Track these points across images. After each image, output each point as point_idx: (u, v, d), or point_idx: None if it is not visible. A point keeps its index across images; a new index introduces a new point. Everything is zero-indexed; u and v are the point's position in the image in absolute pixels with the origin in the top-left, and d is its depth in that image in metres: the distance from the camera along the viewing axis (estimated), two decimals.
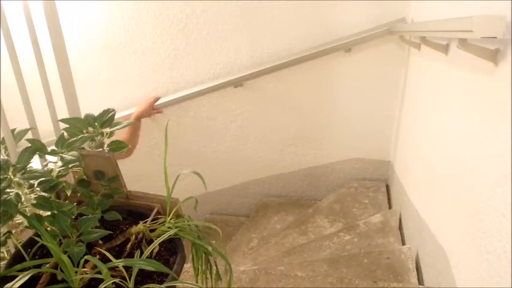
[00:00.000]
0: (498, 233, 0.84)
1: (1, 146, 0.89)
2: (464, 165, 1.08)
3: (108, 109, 0.89)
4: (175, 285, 0.76)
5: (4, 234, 0.80)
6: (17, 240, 0.81)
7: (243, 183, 2.58)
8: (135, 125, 2.11)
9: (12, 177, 0.71)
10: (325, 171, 2.48)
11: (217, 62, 2.17)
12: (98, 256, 0.77)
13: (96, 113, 0.88)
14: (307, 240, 2.01)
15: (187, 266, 1.22)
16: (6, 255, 0.86)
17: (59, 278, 0.72)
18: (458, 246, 1.12)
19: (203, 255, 0.84)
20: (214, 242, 0.91)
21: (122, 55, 2.20)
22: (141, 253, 0.77)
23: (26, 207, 0.74)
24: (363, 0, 1.92)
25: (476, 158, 0.99)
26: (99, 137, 0.84)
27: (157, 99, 2.20)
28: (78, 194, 0.85)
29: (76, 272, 0.69)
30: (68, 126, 0.84)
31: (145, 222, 0.84)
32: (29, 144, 0.77)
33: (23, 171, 0.72)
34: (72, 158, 0.78)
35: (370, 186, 2.38)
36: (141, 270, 0.75)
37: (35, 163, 0.79)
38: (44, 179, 0.73)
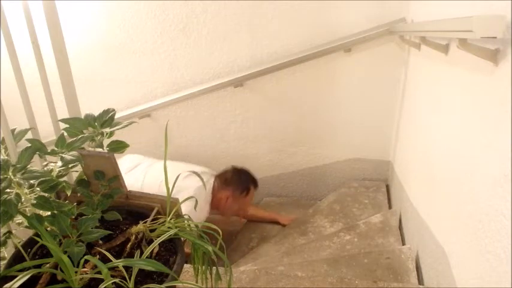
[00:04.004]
0: (498, 233, 0.84)
1: (1, 146, 0.89)
2: (464, 165, 1.08)
3: (108, 109, 0.89)
4: (175, 285, 0.76)
5: (4, 234, 0.80)
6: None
7: None
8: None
9: (12, 177, 0.71)
10: (325, 171, 2.48)
11: (217, 62, 2.17)
12: (98, 256, 0.77)
13: (96, 113, 0.88)
14: (307, 240, 2.01)
15: (187, 266, 1.22)
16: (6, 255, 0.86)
17: (59, 278, 0.72)
18: (458, 246, 1.12)
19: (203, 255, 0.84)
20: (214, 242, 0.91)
21: (122, 55, 2.20)
22: (141, 253, 0.77)
23: (26, 207, 0.74)
24: (363, 0, 1.92)
25: (476, 158, 0.99)
26: (99, 137, 0.85)
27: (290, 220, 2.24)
28: (78, 194, 0.85)
29: (76, 272, 0.69)
30: (68, 126, 0.84)
31: (145, 222, 0.84)
32: (29, 144, 0.77)
33: (23, 171, 0.72)
34: (72, 158, 0.78)
35: (370, 186, 2.38)
36: (141, 270, 0.75)
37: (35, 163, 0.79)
38: (44, 179, 0.73)
